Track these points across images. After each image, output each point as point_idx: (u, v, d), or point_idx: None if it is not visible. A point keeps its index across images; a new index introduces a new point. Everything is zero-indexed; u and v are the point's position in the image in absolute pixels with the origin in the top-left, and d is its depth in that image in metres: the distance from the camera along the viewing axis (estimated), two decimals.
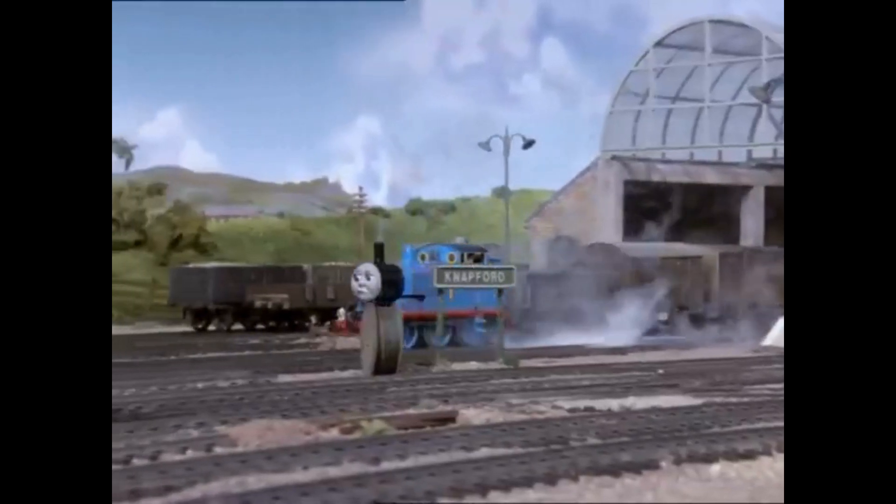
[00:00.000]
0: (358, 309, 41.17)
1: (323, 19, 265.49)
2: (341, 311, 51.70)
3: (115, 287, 65.65)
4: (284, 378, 30.46)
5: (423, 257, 43.65)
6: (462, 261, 42.68)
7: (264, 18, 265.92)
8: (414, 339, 42.32)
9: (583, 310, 46.51)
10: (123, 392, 27.00)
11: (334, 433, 20.35)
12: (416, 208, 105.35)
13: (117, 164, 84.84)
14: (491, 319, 41.74)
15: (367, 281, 39.82)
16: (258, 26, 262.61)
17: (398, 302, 40.63)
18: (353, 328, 42.82)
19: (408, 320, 41.09)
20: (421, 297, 41.45)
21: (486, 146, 55.20)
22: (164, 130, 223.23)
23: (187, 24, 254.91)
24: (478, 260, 43.01)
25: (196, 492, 15.32)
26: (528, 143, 55.80)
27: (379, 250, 40.78)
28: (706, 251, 53.14)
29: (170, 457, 18.03)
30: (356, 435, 20.09)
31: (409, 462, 17.23)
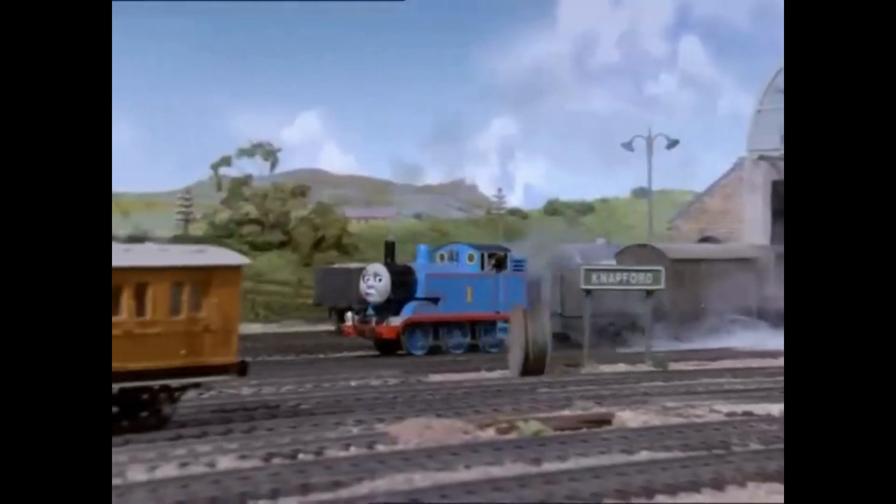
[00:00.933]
0: (369, 312, 38.68)
1: (457, 20, 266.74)
2: (349, 314, 45.85)
3: (261, 287, 67.24)
4: (434, 378, 30.73)
5: (441, 257, 40.57)
6: (482, 261, 39.62)
7: (398, 20, 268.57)
8: (427, 345, 39.05)
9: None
10: (280, 389, 27.65)
11: (490, 433, 20.48)
12: (553, 209, 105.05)
13: (262, 167, 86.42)
14: None
15: (377, 282, 37.44)
16: (393, 28, 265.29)
17: (409, 306, 38.06)
18: (358, 331, 39.05)
19: (417, 325, 38.42)
20: (435, 300, 38.73)
21: (628, 147, 54.74)
22: (304, 134, 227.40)
23: (324, 25, 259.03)
24: (500, 261, 39.80)
25: (364, 488, 15.62)
26: (673, 143, 55.14)
27: (390, 249, 38.94)
28: (762, 252, 48.21)
29: (334, 453, 18.41)
30: (513, 435, 20.19)
31: (570, 464, 17.23)
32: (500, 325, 38.72)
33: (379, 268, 38.73)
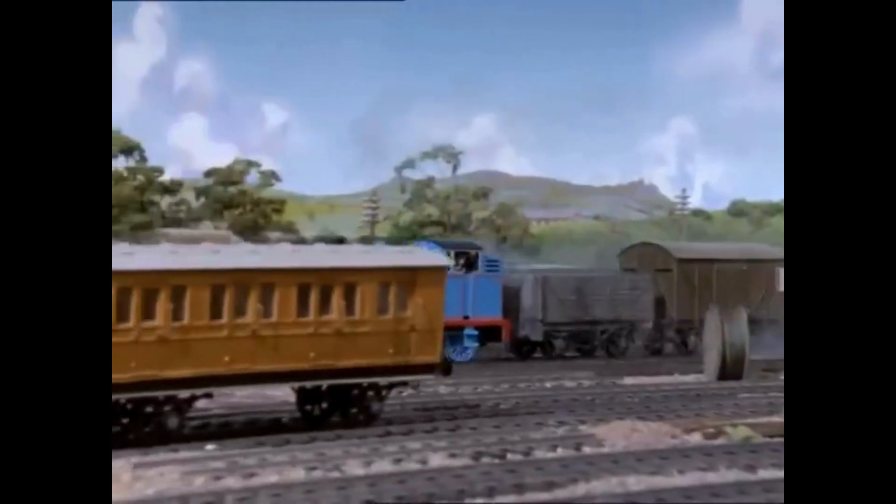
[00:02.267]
0: None
1: (635, 17, 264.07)
2: None
3: None
4: (629, 380, 30.45)
5: None
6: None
7: (578, 19, 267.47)
8: None
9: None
10: (477, 389, 27.87)
11: (697, 437, 20.18)
12: (738, 210, 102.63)
13: (444, 169, 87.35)
14: (488, 332, 34.72)
15: None
16: (571, 27, 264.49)
17: None
18: None
19: None
20: None
21: None
22: (480, 136, 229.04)
23: (501, 25, 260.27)
24: (470, 260, 35.10)
25: (579, 489, 15.62)
26: None
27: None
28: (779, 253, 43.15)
29: (542, 454, 18.46)
30: (722, 440, 19.84)
31: None
32: (467, 332, 34.34)
33: None
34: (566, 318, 37.50)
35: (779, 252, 42.72)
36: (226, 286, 19.24)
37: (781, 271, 39.65)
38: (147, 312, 18.43)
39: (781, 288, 40.11)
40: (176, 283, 18.72)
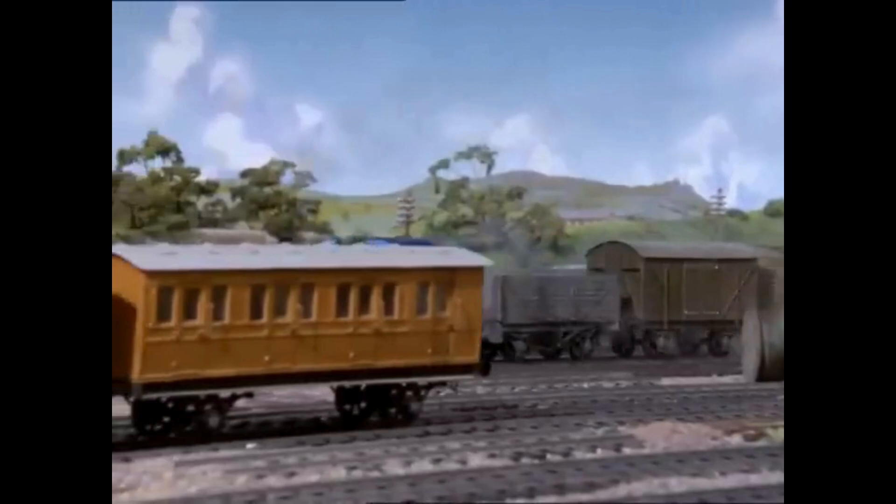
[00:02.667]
0: None
1: (669, 16, 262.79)
2: None
3: None
4: (666, 381, 30.32)
5: None
6: None
7: (610, 18, 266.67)
8: None
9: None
10: (514, 389, 27.85)
11: (738, 439, 20.07)
12: (775, 210, 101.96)
13: (478, 170, 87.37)
14: None
15: None
16: (603, 25, 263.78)
17: None
18: None
19: None
20: None
21: None
22: (514, 137, 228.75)
23: (524, 25, 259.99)
24: None
25: (621, 490, 15.57)
26: None
27: None
28: (767, 252, 42.06)
29: (581, 454, 18.42)
30: (763, 442, 19.72)
31: None
32: None
33: None
34: (527, 320, 36.25)
35: (752, 251, 42.10)
36: (266, 286, 19.32)
37: (779, 272, 37.99)
38: (188, 312, 18.54)
39: (756, 289, 39.36)
40: (217, 282, 18.82)
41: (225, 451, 18.01)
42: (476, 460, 17.73)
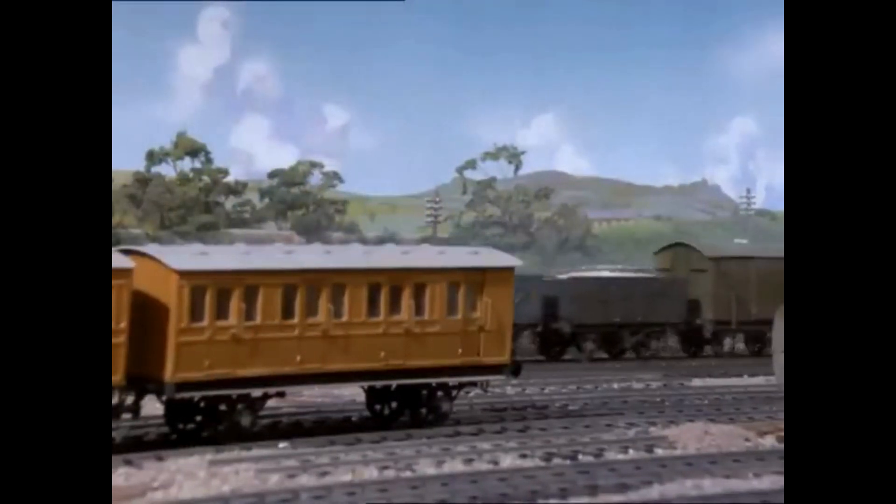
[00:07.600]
0: None
1: (696, 15, 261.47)
2: None
3: None
4: (697, 382, 30.18)
5: None
6: None
7: (636, 17, 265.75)
8: None
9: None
10: (544, 389, 27.78)
11: (771, 440, 19.95)
12: None
13: (506, 170, 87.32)
14: None
15: None
16: (629, 24, 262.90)
17: None
18: None
19: None
20: None
21: None
22: (540, 136, 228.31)
23: (557, 22, 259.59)
24: None
25: (654, 492, 15.51)
26: None
27: None
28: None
29: (613, 455, 18.36)
30: None
31: None
32: None
33: None
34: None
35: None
36: (297, 286, 19.36)
37: None
38: (221, 312, 18.61)
39: None
40: (249, 283, 18.88)
41: (257, 451, 18.07)
42: (507, 461, 17.71)
